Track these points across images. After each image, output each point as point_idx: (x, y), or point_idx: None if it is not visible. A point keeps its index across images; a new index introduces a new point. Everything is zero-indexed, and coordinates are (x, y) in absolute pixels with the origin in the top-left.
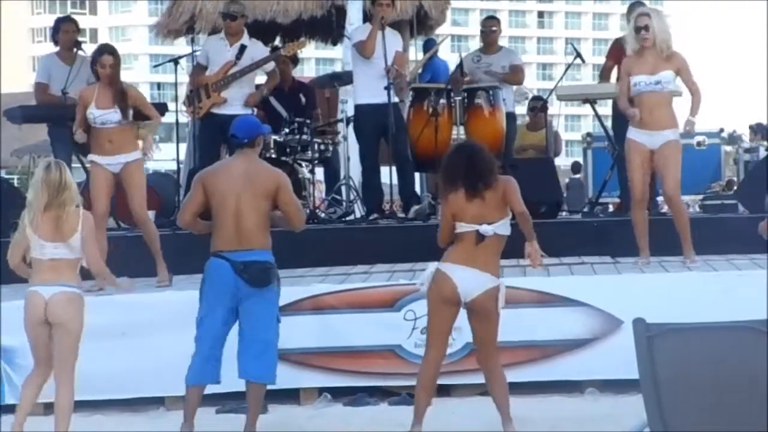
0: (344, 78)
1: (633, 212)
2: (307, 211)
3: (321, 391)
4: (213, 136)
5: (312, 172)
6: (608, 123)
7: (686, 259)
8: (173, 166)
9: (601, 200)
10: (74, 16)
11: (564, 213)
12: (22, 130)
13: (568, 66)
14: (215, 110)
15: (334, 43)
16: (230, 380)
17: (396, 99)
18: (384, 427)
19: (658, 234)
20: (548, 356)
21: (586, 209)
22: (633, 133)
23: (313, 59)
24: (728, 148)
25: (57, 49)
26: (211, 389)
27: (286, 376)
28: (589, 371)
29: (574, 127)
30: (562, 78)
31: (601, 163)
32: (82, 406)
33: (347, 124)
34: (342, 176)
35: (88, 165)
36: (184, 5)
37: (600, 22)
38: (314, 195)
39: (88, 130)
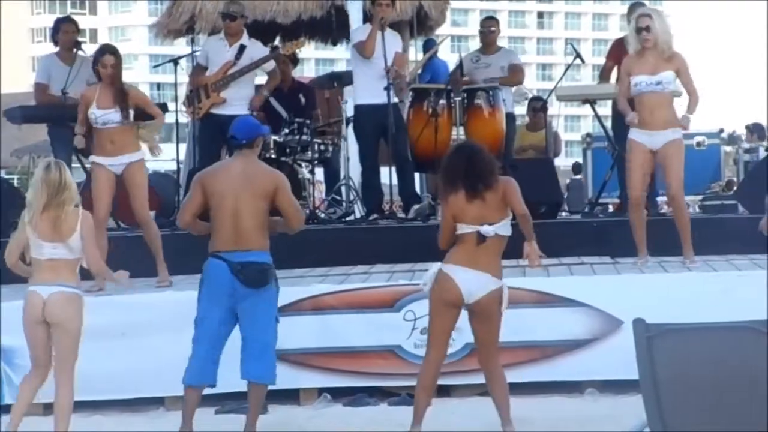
0: (344, 78)
1: (630, 212)
2: (307, 211)
3: (321, 391)
4: (213, 137)
5: (312, 172)
6: (608, 123)
7: (686, 259)
8: (173, 166)
9: (600, 200)
10: (74, 16)
11: (564, 213)
12: (22, 130)
13: (568, 66)
14: (215, 110)
15: (334, 44)
16: (230, 381)
17: (396, 99)
18: (383, 427)
19: (657, 234)
20: (548, 356)
21: (585, 209)
22: (634, 134)
23: (313, 59)
24: (728, 148)
25: (57, 49)
26: (210, 389)
27: (286, 377)
28: (588, 371)
29: (573, 127)
30: (561, 78)
31: (600, 164)
32: (81, 406)
33: (347, 124)
34: (342, 176)
35: (88, 165)
36: (184, 5)
37: (600, 22)
38: (314, 195)
39: (89, 130)
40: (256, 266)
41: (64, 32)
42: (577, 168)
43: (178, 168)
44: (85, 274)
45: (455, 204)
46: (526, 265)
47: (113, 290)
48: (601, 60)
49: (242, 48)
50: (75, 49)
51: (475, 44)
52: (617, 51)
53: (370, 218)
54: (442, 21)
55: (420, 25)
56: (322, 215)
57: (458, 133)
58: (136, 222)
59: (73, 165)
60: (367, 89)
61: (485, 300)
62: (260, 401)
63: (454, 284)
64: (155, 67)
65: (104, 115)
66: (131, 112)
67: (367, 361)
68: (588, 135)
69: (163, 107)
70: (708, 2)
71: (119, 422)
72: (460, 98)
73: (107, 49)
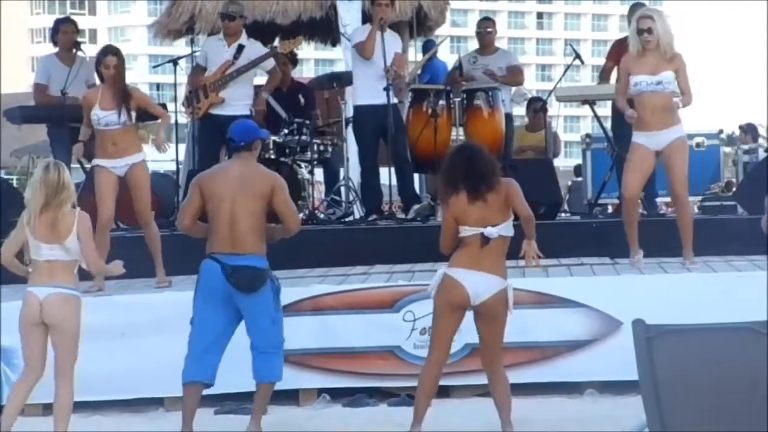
0: (343, 79)
1: (623, 209)
2: (307, 211)
3: (320, 391)
4: (212, 137)
5: (311, 172)
6: (607, 124)
7: (686, 260)
8: (172, 166)
9: (600, 201)
10: (73, 17)
11: (563, 214)
12: (22, 131)
13: (568, 67)
14: (214, 111)
15: (334, 44)
16: (230, 381)
17: (395, 100)
18: (383, 427)
19: (657, 234)
20: (547, 357)
21: (585, 210)
22: (637, 137)
23: (312, 60)
24: (727, 149)
25: (56, 49)
26: (210, 390)
27: (286, 377)
28: (588, 372)
29: (573, 128)
30: (561, 79)
31: (600, 165)
32: (81, 406)
33: (346, 125)
34: (341, 177)
35: (87, 166)
36: (184, 5)
37: (599, 23)
38: (313, 196)
39: (91, 137)
40: (248, 271)
41: (64, 33)
42: (578, 170)
43: (178, 168)
44: (85, 274)
45: (457, 206)
46: (526, 266)
47: (113, 290)
48: (601, 60)
49: (241, 48)
50: (74, 50)
51: (474, 45)
52: (617, 51)
53: (370, 219)
54: (441, 21)
55: (419, 25)
56: (322, 216)
57: (458, 134)
58: (136, 222)
59: (72, 165)
60: (367, 90)
61: (491, 301)
62: (263, 399)
63: (460, 287)
64: (155, 67)
65: (107, 116)
66: (133, 114)
67: (366, 362)
68: (587, 136)
69: (163, 107)
70: (708, 2)
71: (119, 422)
72: (459, 99)
73: (110, 50)
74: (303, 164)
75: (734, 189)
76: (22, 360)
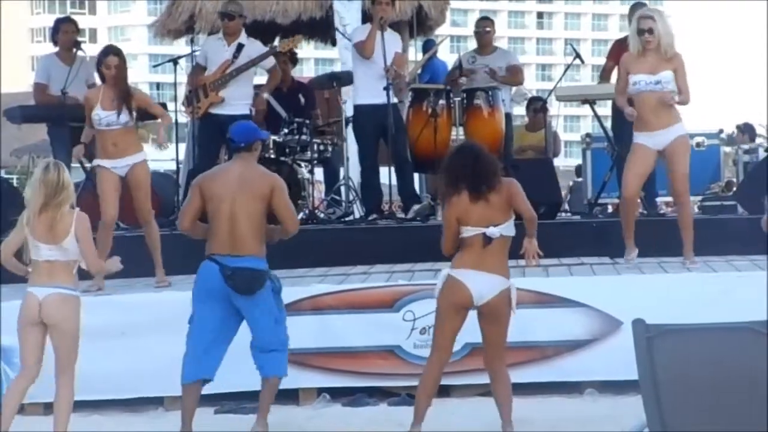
0: (343, 78)
1: (621, 208)
2: (307, 211)
3: (320, 391)
4: (212, 136)
5: (311, 172)
6: (608, 124)
7: (686, 259)
8: (173, 166)
9: (600, 201)
10: (73, 16)
11: (563, 214)
12: (22, 130)
13: (568, 67)
14: (214, 110)
15: (334, 44)
16: (230, 381)
17: (395, 99)
18: (383, 427)
19: (657, 234)
20: (547, 357)
21: (585, 210)
22: (638, 138)
23: (313, 59)
24: (727, 149)
25: (56, 49)
26: (209, 389)
27: (285, 377)
28: (588, 372)
29: (573, 127)
30: (561, 79)
31: (600, 164)
32: (81, 406)
33: (346, 124)
34: (341, 176)
35: (88, 166)
36: (184, 5)
37: (599, 22)
38: (313, 195)
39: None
40: (247, 273)
41: (64, 32)
42: (580, 171)
43: (178, 168)
44: (84, 274)
45: (458, 205)
46: (526, 266)
47: (112, 290)
48: (601, 60)
49: (240, 47)
50: (75, 49)
51: (474, 44)
52: (618, 51)
53: (370, 218)
54: (441, 21)
55: (420, 25)
56: (322, 215)
57: (458, 134)
58: (136, 221)
59: (72, 165)
60: (367, 89)
61: (495, 301)
62: (269, 396)
63: (464, 288)
64: (155, 66)
65: (108, 116)
66: (134, 114)
67: (366, 361)
68: (587, 135)
69: (163, 107)
70: (708, 2)
71: (118, 422)
72: (459, 98)
73: (111, 50)
74: (303, 164)
75: (734, 189)
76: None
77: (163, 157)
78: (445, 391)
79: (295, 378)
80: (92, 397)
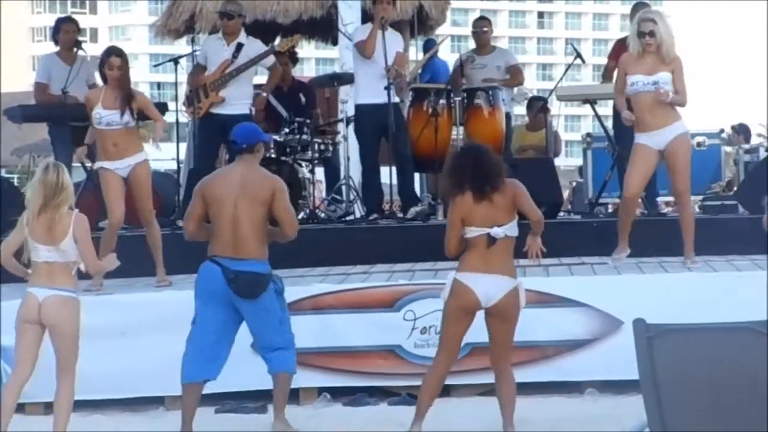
0: (344, 78)
1: (622, 205)
2: (307, 210)
3: (320, 391)
4: (212, 136)
5: (312, 171)
6: (608, 123)
7: (687, 259)
8: (173, 165)
9: (601, 201)
10: (74, 16)
11: (563, 213)
12: (22, 130)
13: (568, 66)
14: (215, 110)
15: (334, 43)
16: (230, 381)
17: (396, 99)
18: (383, 427)
19: (657, 234)
20: (548, 357)
21: (586, 210)
22: (638, 138)
23: (313, 59)
24: (728, 148)
25: (57, 48)
26: (210, 388)
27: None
28: (588, 372)
29: (574, 127)
30: (562, 78)
31: (601, 164)
32: (81, 405)
33: (347, 124)
34: (342, 176)
35: (89, 165)
36: (184, 5)
37: (600, 22)
38: (314, 195)
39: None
40: (249, 276)
41: (65, 32)
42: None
43: (179, 168)
44: (84, 273)
45: (462, 206)
46: (526, 265)
47: (113, 290)
48: (602, 60)
49: (240, 46)
50: (75, 49)
51: (474, 44)
52: (619, 51)
53: (370, 218)
54: (442, 21)
55: (420, 24)
56: (322, 215)
57: (458, 133)
58: (137, 221)
59: (73, 165)
60: (368, 89)
61: (503, 302)
62: (283, 392)
63: (471, 292)
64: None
65: (109, 115)
66: (135, 115)
67: (366, 361)
68: (588, 135)
69: (164, 107)
70: (708, 2)
71: (118, 422)
72: (460, 98)
73: (114, 51)
74: (304, 163)
75: (735, 188)
76: None
77: (164, 156)
78: (445, 391)
79: (295, 377)
80: (92, 396)
